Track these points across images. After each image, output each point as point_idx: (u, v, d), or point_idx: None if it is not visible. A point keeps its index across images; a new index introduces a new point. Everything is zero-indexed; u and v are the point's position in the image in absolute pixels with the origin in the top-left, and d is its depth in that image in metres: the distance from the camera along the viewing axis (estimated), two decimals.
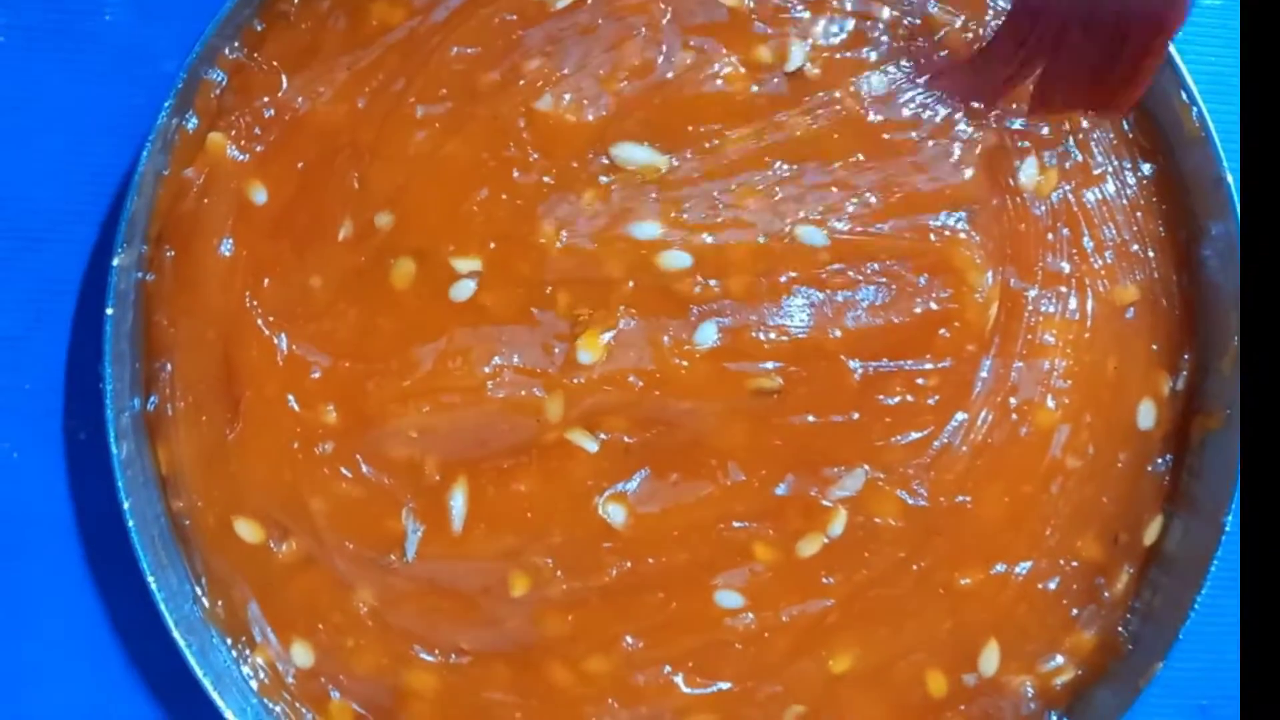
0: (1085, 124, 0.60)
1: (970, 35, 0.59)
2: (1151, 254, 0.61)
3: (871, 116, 0.58)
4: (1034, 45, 0.54)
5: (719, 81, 0.58)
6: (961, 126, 0.59)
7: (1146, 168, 0.61)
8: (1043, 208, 0.60)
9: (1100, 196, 0.60)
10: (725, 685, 0.60)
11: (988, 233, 0.59)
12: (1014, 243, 0.60)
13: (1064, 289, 0.60)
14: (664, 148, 0.57)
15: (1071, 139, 0.60)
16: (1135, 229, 0.61)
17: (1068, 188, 0.60)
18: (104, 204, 0.60)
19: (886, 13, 0.59)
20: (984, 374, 0.60)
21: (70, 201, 0.60)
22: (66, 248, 0.60)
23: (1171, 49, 0.58)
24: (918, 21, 0.59)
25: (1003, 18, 0.57)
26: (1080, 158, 0.60)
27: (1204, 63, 0.63)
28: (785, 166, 0.58)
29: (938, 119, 0.58)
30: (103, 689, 0.60)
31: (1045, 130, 0.60)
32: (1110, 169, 0.61)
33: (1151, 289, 0.61)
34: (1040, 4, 0.53)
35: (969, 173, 0.59)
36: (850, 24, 0.58)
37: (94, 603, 0.61)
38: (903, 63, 0.58)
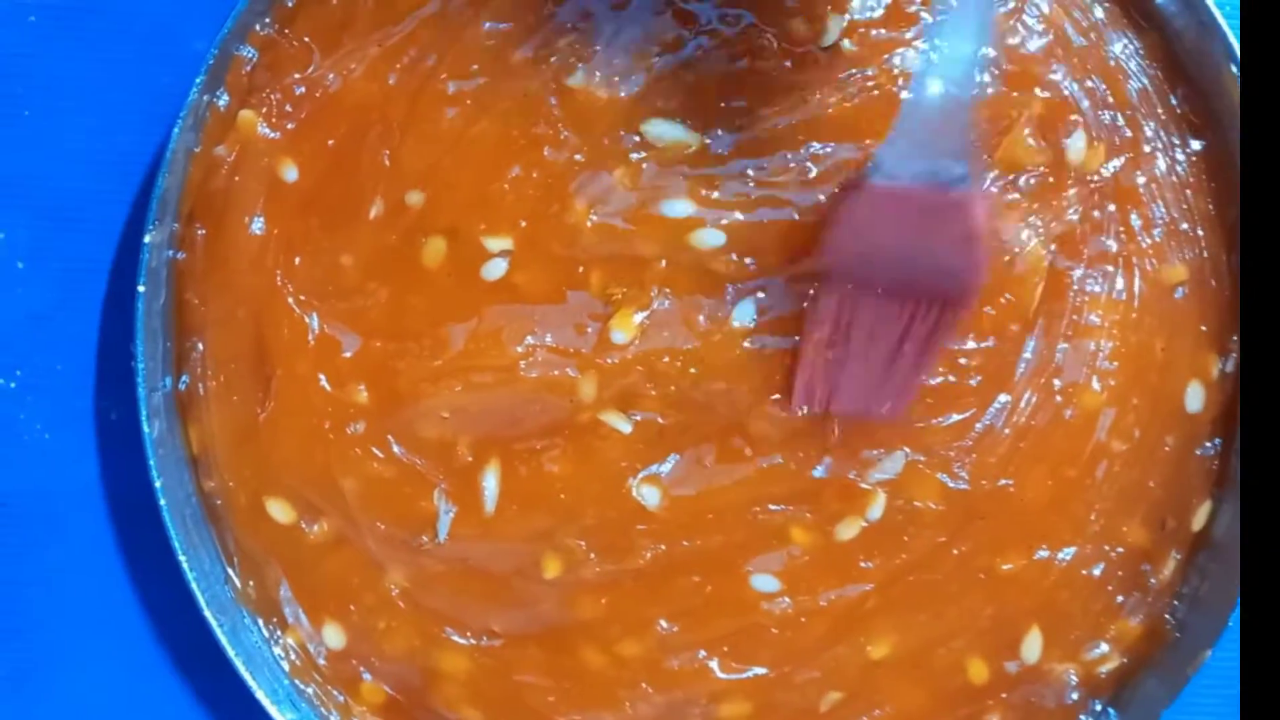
0: (1134, 98, 0.59)
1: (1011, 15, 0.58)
2: (1201, 233, 0.59)
3: (906, 95, 0.57)
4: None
5: (753, 57, 0.57)
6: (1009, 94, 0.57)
7: (1196, 144, 0.59)
8: (1091, 183, 0.58)
9: (1150, 173, 0.59)
10: (761, 670, 0.59)
11: (1035, 202, 0.58)
12: (1059, 218, 0.58)
13: (1110, 268, 0.59)
14: (696, 125, 0.57)
15: (1120, 114, 0.58)
16: (1185, 207, 0.59)
17: (1116, 164, 0.59)
18: (134, 183, 0.60)
19: None
20: (1028, 354, 0.58)
21: (101, 181, 0.60)
22: (98, 227, 0.60)
23: (1219, 15, 0.56)
24: None
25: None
26: (1130, 134, 0.59)
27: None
28: (819, 146, 0.57)
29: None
30: (135, 668, 0.60)
31: (1087, 103, 0.58)
32: (1160, 145, 0.59)
33: (1201, 269, 0.59)
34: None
35: (1014, 142, 0.58)
36: None
37: (126, 583, 0.61)
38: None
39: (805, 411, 0.57)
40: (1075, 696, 0.60)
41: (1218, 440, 0.60)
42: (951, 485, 0.58)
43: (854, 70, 0.57)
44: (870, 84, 0.57)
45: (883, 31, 0.57)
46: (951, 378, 0.58)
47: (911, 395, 0.56)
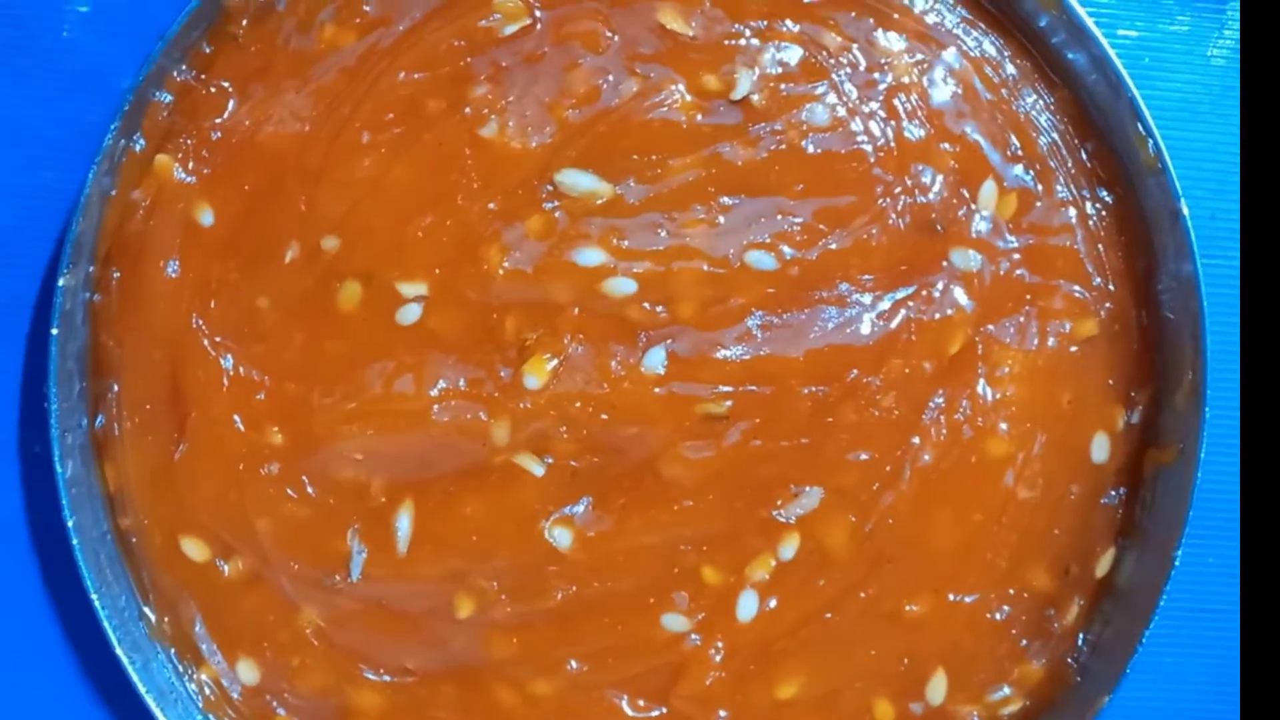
0: (1045, 151, 0.59)
1: (917, 67, 0.59)
2: (1112, 287, 0.60)
3: (812, 149, 0.58)
4: None
5: (665, 110, 0.57)
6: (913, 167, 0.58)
7: (1107, 197, 0.60)
8: (1002, 234, 0.59)
9: (1061, 225, 0.60)
10: (669, 710, 0.60)
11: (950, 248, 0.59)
12: (972, 267, 0.59)
13: (1022, 319, 0.60)
14: (608, 175, 0.57)
15: (1031, 167, 0.59)
16: (1096, 260, 0.60)
17: (1028, 215, 0.59)
18: (59, 220, 0.61)
19: (833, 41, 0.58)
20: (938, 400, 0.59)
21: (25, 216, 0.61)
22: (22, 262, 0.61)
23: (1125, 74, 0.57)
24: (865, 52, 0.58)
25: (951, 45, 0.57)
26: (1040, 187, 0.59)
27: (1167, 90, 0.62)
28: (728, 198, 0.58)
29: (884, 149, 0.58)
30: (50, 702, 0.61)
31: (998, 156, 0.59)
32: (1071, 197, 0.60)
33: (1110, 322, 0.60)
34: None
35: (922, 198, 0.58)
36: (797, 53, 0.58)
37: (45, 615, 0.61)
38: (847, 94, 0.58)
39: None
40: None
41: (1122, 489, 0.61)
42: (860, 528, 0.59)
43: (763, 124, 0.58)
44: (778, 138, 0.58)
45: (792, 86, 0.58)
46: (861, 422, 0.59)
47: None
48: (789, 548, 0.59)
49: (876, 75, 0.58)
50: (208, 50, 0.57)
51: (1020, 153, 0.59)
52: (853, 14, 0.58)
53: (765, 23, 0.58)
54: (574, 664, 0.59)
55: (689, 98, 0.58)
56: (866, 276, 0.58)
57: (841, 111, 0.58)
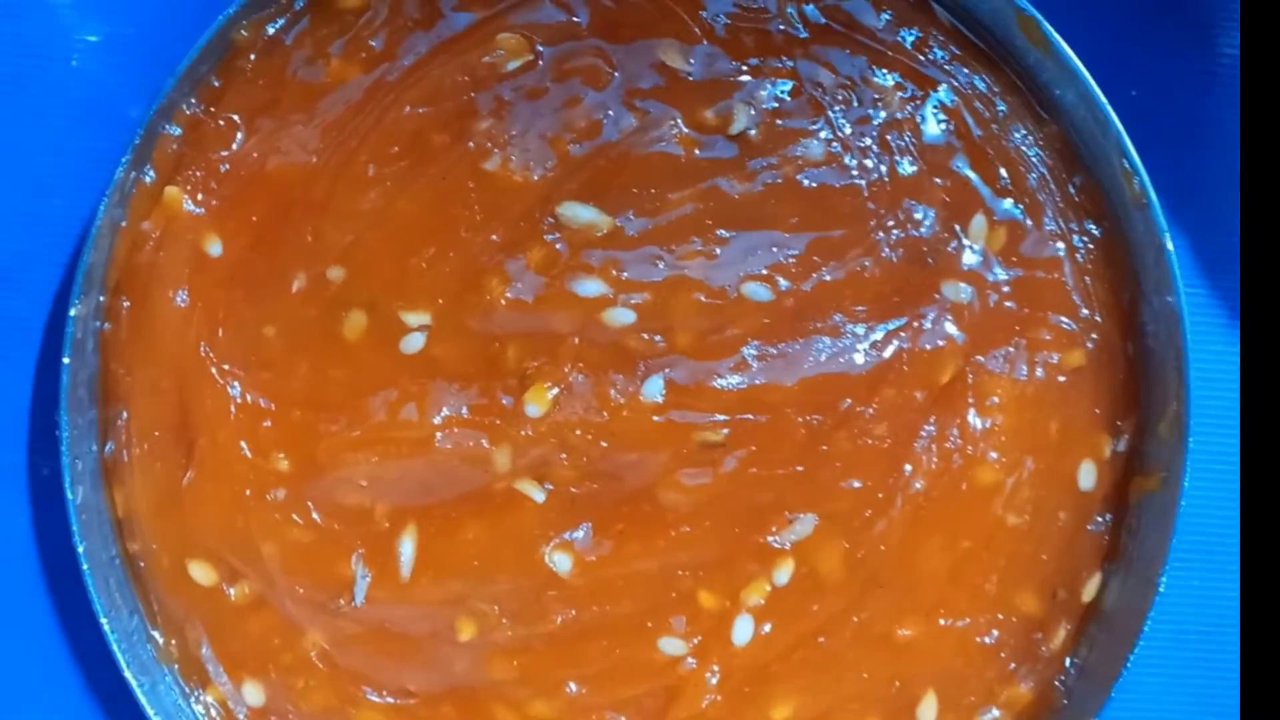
0: (1034, 185, 0.61)
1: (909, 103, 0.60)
2: (1099, 318, 0.61)
3: (807, 184, 0.59)
4: None
5: (664, 144, 0.59)
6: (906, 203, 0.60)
7: (1095, 229, 0.61)
8: (992, 266, 0.61)
9: (1049, 256, 0.61)
10: None
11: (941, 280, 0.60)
12: (963, 298, 0.60)
13: (1011, 349, 0.61)
14: (608, 208, 0.59)
15: (1020, 201, 0.61)
16: (1084, 292, 0.61)
17: (1018, 248, 0.61)
18: (69, 247, 0.62)
19: (828, 78, 0.59)
20: (929, 429, 0.61)
21: (33, 243, 0.62)
22: (30, 288, 0.62)
23: (1111, 112, 0.59)
24: (857, 89, 0.60)
25: (942, 82, 0.59)
26: (1030, 221, 0.61)
27: (1154, 123, 0.64)
28: (725, 231, 0.59)
29: (877, 184, 0.59)
30: None
31: (987, 190, 0.60)
32: (1059, 230, 0.61)
33: (1098, 353, 0.61)
34: None
35: (914, 231, 0.60)
36: (791, 88, 0.59)
37: (53, 636, 0.62)
38: (841, 129, 0.60)
39: None
40: None
41: (1108, 515, 0.62)
42: (853, 553, 0.60)
43: (759, 159, 0.59)
44: (774, 172, 0.59)
45: (787, 122, 0.59)
46: (854, 450, 0.60)
47: None
48: (783, 573, 0.60)
49: (870, 111, 0.60)
50: (216, 84, 0.58)
51: (1010, 186, 0.61)
52: (847, 51, 0.60)
53: (761, 60, 0.59)
54: (573, 686, 0.60)
55: (687, 132, 0.59)
56: (860, 307, 0.60)
57: (836, 147, 0.59)
